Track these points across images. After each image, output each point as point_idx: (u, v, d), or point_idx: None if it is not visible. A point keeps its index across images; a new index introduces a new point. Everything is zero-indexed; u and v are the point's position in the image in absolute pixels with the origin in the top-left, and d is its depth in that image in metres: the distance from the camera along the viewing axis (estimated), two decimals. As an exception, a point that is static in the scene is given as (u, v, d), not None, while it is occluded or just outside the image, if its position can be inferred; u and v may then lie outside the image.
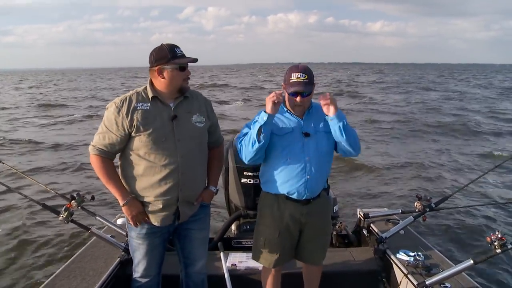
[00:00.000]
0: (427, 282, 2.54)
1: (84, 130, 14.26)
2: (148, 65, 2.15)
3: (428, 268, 2.77)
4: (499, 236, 2.24)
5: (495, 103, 22.83)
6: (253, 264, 2.78)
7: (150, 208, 2.19)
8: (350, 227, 3.83)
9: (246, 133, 2.31)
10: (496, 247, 2.24)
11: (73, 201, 2.72)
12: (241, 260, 3.08)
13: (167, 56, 2.09)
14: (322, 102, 2.25)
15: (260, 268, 2.67)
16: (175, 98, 2.20)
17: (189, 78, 2.21)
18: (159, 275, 2.42)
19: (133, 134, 2.10)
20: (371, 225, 3.50)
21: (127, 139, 2.13)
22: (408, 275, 2.71)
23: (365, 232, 3.57)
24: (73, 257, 2.95)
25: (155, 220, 2.21)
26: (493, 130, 13.86)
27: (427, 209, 3.14)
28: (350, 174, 8.41)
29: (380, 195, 7.12)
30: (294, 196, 2.33)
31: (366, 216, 3.60)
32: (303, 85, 2.21)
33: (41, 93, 34.07)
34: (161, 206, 2.17)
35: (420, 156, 10.13)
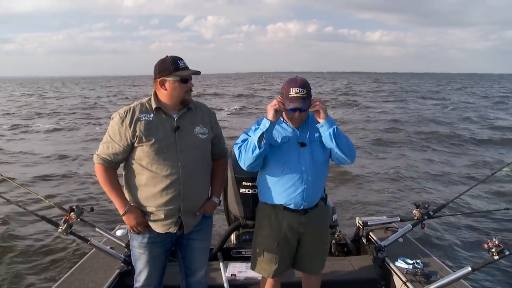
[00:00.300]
0: (426, 290, 2.55)
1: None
2: (152, 75, 2.19)
3: (427, 275, 2.78)
4: (497, 242, 2.26)
5: (489, 112, 22.95)
6: (252, 274, 2.78)
7: (152, 217, 2.21)
8: (349, 235, 3.83)
9: (245, 140, 2.33)
10: (494, 253, 2.25)
11: (72, 213, 2.73)
12: (240, 270, 3.08)
13: (170, 68, 2.12)
14: (311, 109, 2.25)
15: (260, 278, 2.67)
16: (178, 109, 2.22)
17: (191, 90, 2.23)
18: (160, 285, 2.42)
19: (135, 144, 2.13)
20: (370, 233, 3.51)
21: (130, 149, 2.16)
22: (407, 283, 2.72)
23: (364, 240, 3.58)
24: (72, 269, 2.95)
25: (156, 227, 2.22)
26: (488, 138, 13.90)
27: (425, 217, 3.15)
28: (337, 184, 8.36)
29: (368, 204, 7.12)
30: (292, 206, 2.33)
31: (364, 224, 3.61)
32: (302, 101, 2.21)
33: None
34: (162, 216, 2.19)
35: (413, 165, 10.18)
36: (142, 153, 2.13)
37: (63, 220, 2.68)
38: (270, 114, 2.21)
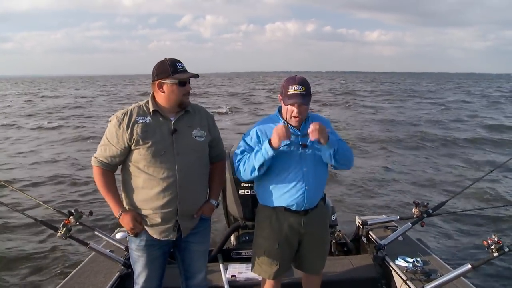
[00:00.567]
0: (426, 288, 2.55)
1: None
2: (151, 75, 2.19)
3: (427, 273, 2.79)
4: (496, 239, 2.27)
5: (485, 112, 23.00)
6: (252, 275, 2.77)
7: (149, 221, 2.20)
8: (348, 235, 3.84)
9: (244, 152, 2.32)
10: (493, 250, 2.26)
11: (71, 217, 2.73)
12: (240, 271, 3.08)
13: (168, 70, 2.12)
14: (310, 136, 2.20)
15: (260, 279, 2.66)
16: (176, 112, 2.22)
17: (189, 93, 2.23)
18: (159, 287, 2.42)
19: (133, 147, 2.13)
20: (370, 232, 3.52)
21: (127, 152, 2.16)
22: (407, 281, 2.72)
23: (363, 239, 3.58)
24: (72, 273, 2.94)
25: (154, 233, 2.22)
26: (485, 137, 13.91)
27: (425, 215, 3.15)
28: (336, 183, 8.32)
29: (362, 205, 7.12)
30: (293, 208, 2.33)
31: (364, 223, 3.62)
32: (301, 97, 2.22)
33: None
34: (159, 219, 2.18)
35: (411, 164, 10.20)
36: (139, 155, 2.13)
37: (62, 224, 2.68)
38: (276, 141, 2.18)
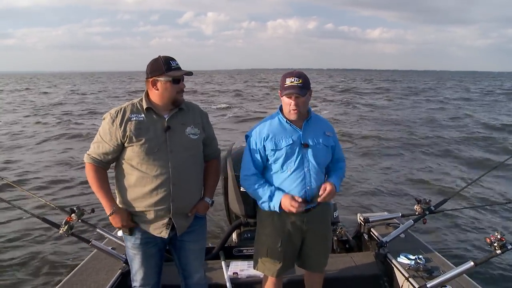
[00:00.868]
0: (428, 285, 2.55)
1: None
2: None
3: (429, 271, 2.79)
4: (499, 237, 2.26)
5: (485, 109, 22.95)
6: (254, 272, 2.78)
7: (143, 218, 2.20)
8: (350, 232, 3.83)
9: (255, 162, 2.35)
10: (496, 248, 2.25)
11: (73, 215, 2.73)
12: (242, 269, 3.09)
13: (162, 68, 2.12)
14: (321, 196, 2.27)
15: (262, 276, 2.67)
16: (169, 109, 2.22)
17: (183, 91, 2.22)
18: (158, 284, 2.41)
19: (126, 144, 2.13)
20: (372, 229, 3.52)
21: (120, 149, 2.16)
22: (410, 279, 2.72)
23: (365, 236, 3.58)
24: (74, 270, 2.95)
25: (149, 229, 2.22)
26: (486, 136, 13.87)
27: (427, 212, 3.15)
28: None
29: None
30: None
31: (366, 220, 3.62)
32: (298, 88, 2.22)
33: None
34: (152, 216, 2.18)
35: (411, 162, 10.18)
36: (132, 153, 2.12)
37: (64, 221, 2.68)
38: (285, 207, 2.24)
